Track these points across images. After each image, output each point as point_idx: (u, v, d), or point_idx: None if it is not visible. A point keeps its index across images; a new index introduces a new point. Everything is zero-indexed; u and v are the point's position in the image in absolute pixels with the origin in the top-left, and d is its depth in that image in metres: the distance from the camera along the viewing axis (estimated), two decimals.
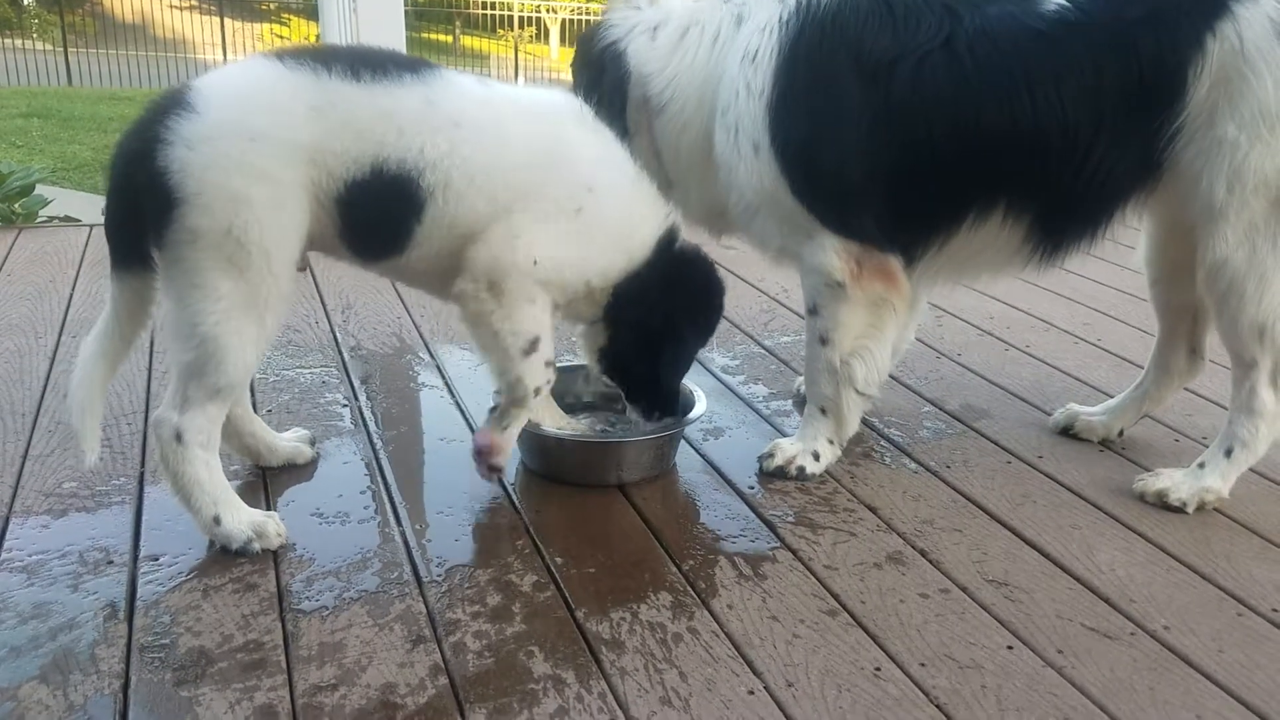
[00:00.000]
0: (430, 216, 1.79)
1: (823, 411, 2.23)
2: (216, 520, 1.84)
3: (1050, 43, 1.88)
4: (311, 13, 21.69)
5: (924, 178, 2.00)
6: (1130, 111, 1.89)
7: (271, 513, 1.93)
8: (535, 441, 2.18)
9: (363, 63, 1.78)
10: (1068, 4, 1.90)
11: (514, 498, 2.08)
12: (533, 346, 1.90)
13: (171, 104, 1.69)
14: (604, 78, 2.20)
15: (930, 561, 1.90)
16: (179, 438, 1.78)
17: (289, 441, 2.20)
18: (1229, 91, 1.83)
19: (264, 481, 2.09)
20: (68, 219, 4.07)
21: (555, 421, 2.24)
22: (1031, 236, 2.05)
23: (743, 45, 2.05)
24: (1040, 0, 1.92)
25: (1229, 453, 2.06)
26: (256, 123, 1.69)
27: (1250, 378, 1.99)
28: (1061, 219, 2.03)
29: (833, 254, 2.07)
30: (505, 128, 1.86)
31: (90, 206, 5.98)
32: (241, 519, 1.85)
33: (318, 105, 1.71)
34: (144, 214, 1.70)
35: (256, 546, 1.84)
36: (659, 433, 2.17)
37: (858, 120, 1.97)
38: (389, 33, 3.96)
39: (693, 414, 2.24)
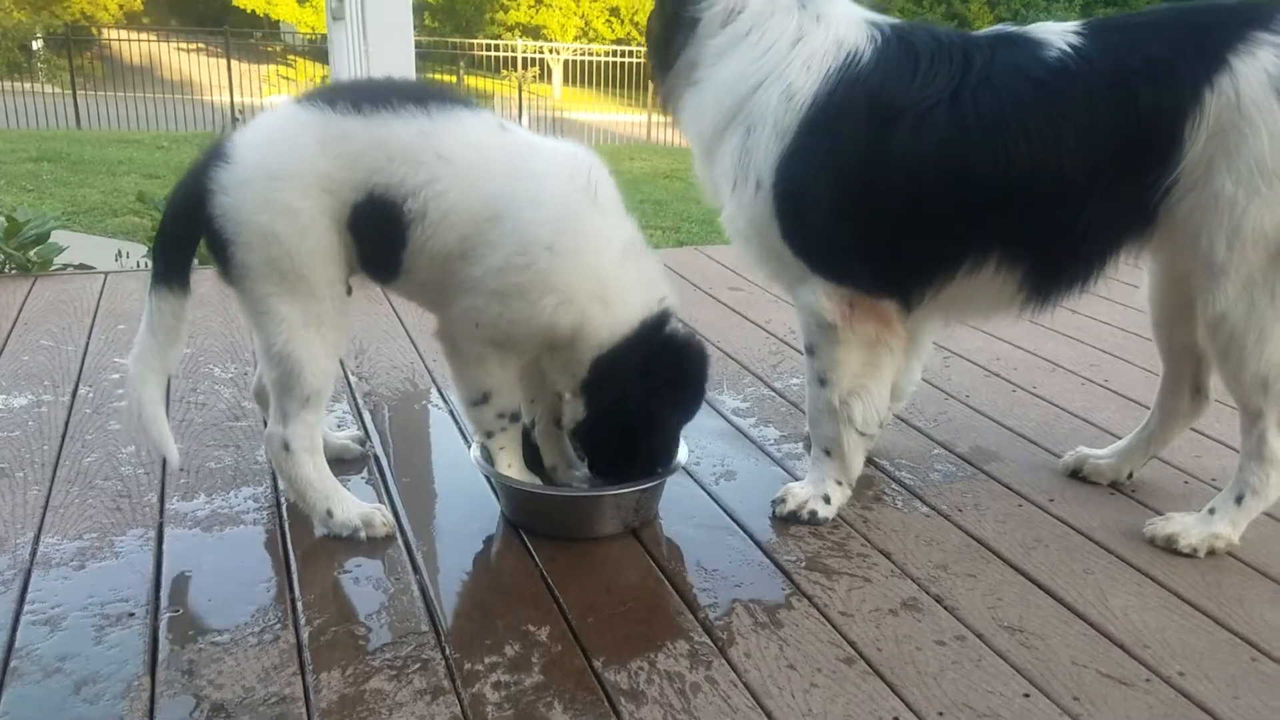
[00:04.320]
0: (413, 244, 1.95)
1: (827, 453, 2.25)
2: (329, 513, 2.07)
3: (1049, 92, 1.90)
4: (317, 55, 21.98)
5: (918, 229, 2.02)
6: (1126, 163, 1.91)
7: (380, 505, 2.15)
8: (506, 493, 2.22)
9: (368, 96, 1.95)
10: (1071, 52, 1.92)
11: (528, 544, 2.09)
12: (483, 399, 2.11)
13: (214, 155, 1.92)
14: (670, 35, 2.22)
15: (945, 608, 1.91)
16: (286, 447, 2.03)
17: (339, 438, 2.44)
18: (1225, 145, 1.84)
19: (280, 530, 2.10)
20: (82, 266, 4.11)
21: (552, 460, 2.28)
22: (1024, 287, 2.07)
23: (790, 75, 2.03)
24: (1046, 47, 1.95)
25: (1239, 499, 2.07)
26: (275, 163, 1.91)
27: (1258, 426, 2.01)
28: (1053, 271, 2.05)
29: (823, 296, 2.10)
30: (485, 171, 1.95)
31: (101, 251, 6.02)
32: (351, 511, 2.09)
33: (324, 139, 1.90)
34: (190, 244, 1.98)
35: (363, 535, 2.08)
36: (624, 488, 2.15)
37: (859, 173, 1.99)
38: (400, 72, 4.01)
39: (674, 463, 2.23)
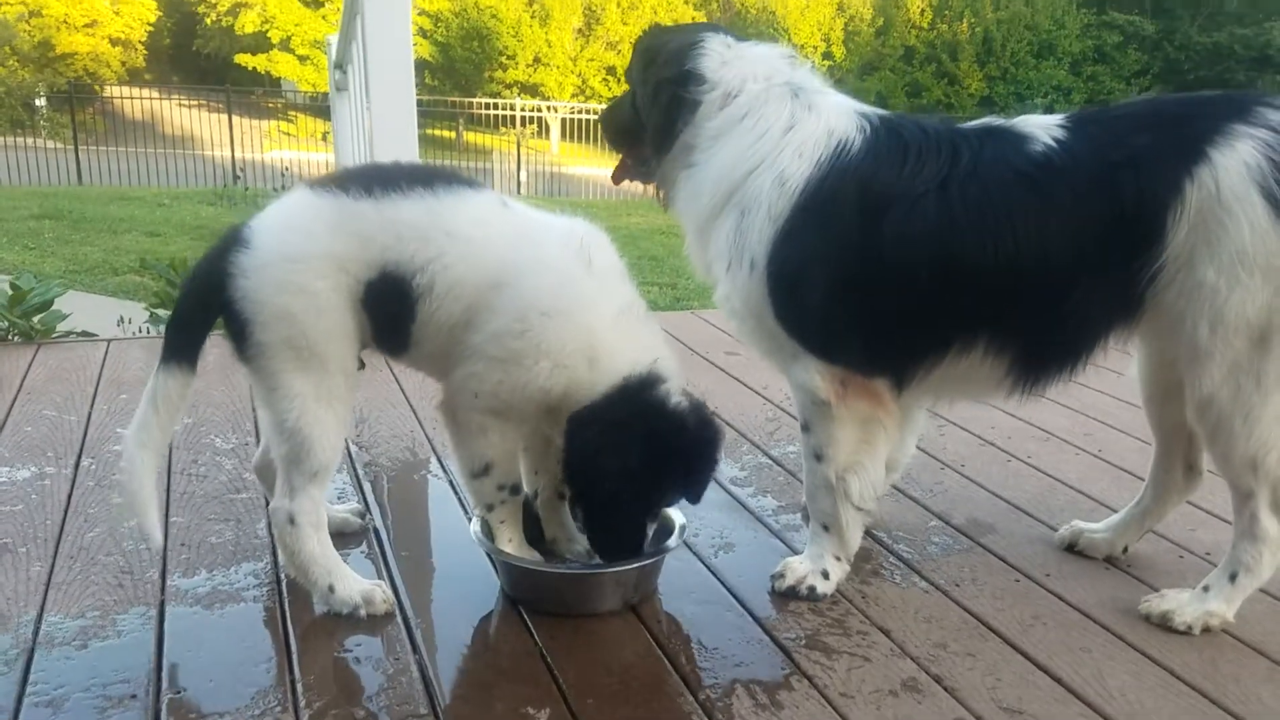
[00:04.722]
0: (421, 317, 2.02)
1: (825, 528, 2.27)
2: (331, 589, 2.09)
3: (1034, 186, 1.96)
4: (318, 111, 22.27)
5: (908, 314, 2.07)
6: (1110, 254, 1.96)
7: (380, 582, 2.17)
8: (506, 570, 2.22)
9: (378, 180, 2.04)
10: (1055, 145, 1.99)
11: (527, 621, 2.10)
12: (484, 470, 2.13)
13: (233, 240, 2.00)
14: (671, 118, 2.24)
15: (945, 689, 1.91)
16: (292, 521, 2.06)
17: (339, 511, 2.45)
18: (1207, 236, 1.89)
19: (280, 608, 2.11)
20: (85, 334, 4.14)
21: (552, 532, 2.32)
22: (1012, 371, 2.11)
23: (783, 162, 2.09)
24: (1031, 141, 2.01)
25: (1233, 577, 2.09)
26: (292, 246, 1.99)
27: (1249, 506, 2.04)
28: (1040, 356, 2.09)
29: (816, 375, 2.14)
30: (489, 245, 2.03)
31: (103, 310, 6.08)
32: (353, 588, 2.10)
33: (337, 222, 2.00)
34: (205, 325, 2.04)
35: (363, 613, 2.09)
36: (605, 568, 2.16)
37: (849, 257, 2.04)
38: (402, 129, 4.04)
39: (669, 542, 2.22)
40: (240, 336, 1.99)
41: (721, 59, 2.20)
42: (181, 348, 2.03)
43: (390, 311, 2.02)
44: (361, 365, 2.14)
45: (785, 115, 2.14)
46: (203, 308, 2.03)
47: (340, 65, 4.97)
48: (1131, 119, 2.02)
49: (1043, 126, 2.02)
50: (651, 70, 2.27)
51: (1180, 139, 1.92)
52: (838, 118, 2.12)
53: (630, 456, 2.01)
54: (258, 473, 2.40)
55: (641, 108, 2.32)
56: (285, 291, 1.96)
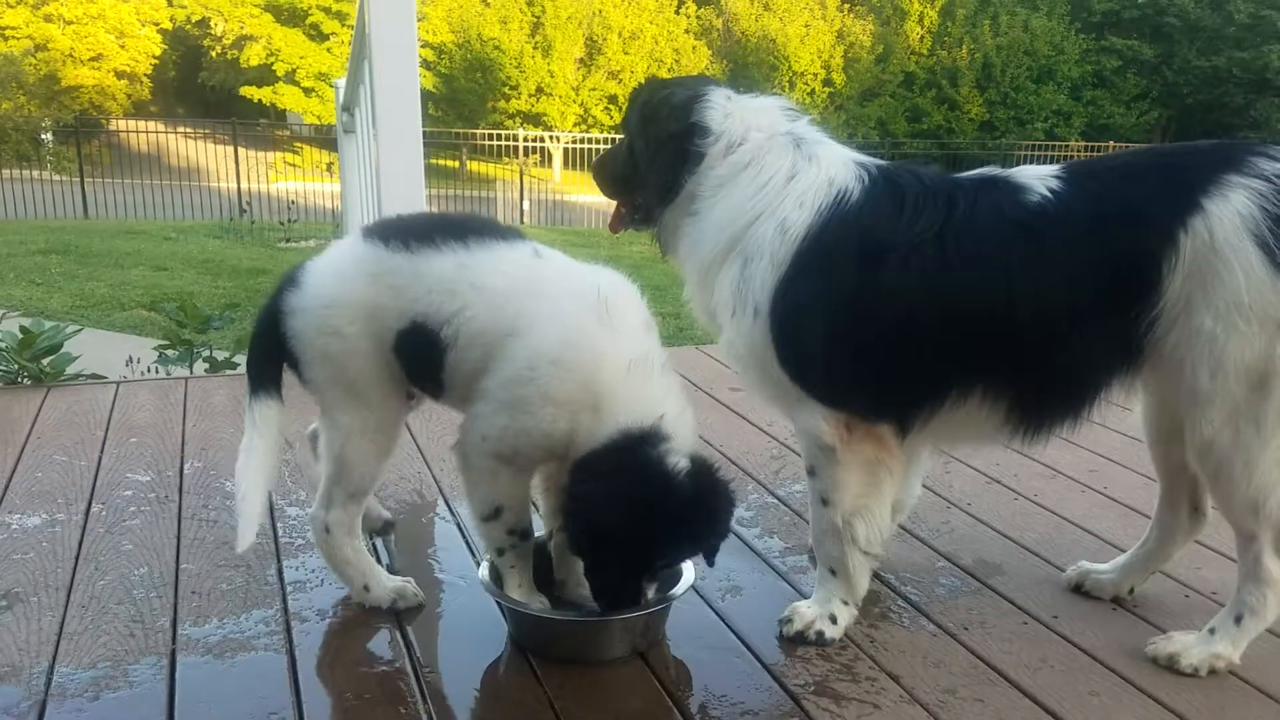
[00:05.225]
0: (449, 365, 2.12)
1: (833, 572, 2.28)
2: (366, 588, 2.31)
3: (1029, 234, 1.98)
4: (324, 143, 22.44)
5: (905, 359, 2.08)
6: (1107, 302, 1.98)
7: (408, 579, 2.38)
8: (514, 617, 2.23)
9: (416, 234, 2.15)
10: (1050, 195, 2.01)
11: (535, 669, 2.10)
12: (494, 514, 2.17)
13: (288, 280, 2.20)
14: (675, 170, 2.27)
15: None
16: (327, 530, 2.27)
17: None
18: (1203, 284, 1.91)
19: (291, 657, 2.12)
20: (94, 376, 4.17)
21: (562, 574, 2.34)
22: (1010, 418, 2.12)
23: (784, 210, 2.12)
24: (1027, 191, 2.04)
25: (1238, 620, 2.10)
26: (331, 291, 2.16)
27: (1252, 548, 2.05)
28: (1038, 403, 2.11)
29: (821, 420, 2.15)
30: (509, 297, 2.09)
31: (109, 347, 6.11)
32: (386, 585, 2.33)
33: (374, 272, 2.14)
34: (275, 356, 2.21)
35: (400, 605, 2.32)
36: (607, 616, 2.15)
37: (849, 304, 2.06)
38: (407, 160, 4.06)
39: (676, 590, 2.22)
40: (297, 371, 2.20)
41: (724, 111, 2.24)
42: (263, 381, 2.22)
43: (422, 358, 2.14)
44: (410, 396, 2.29)
45: (787, 165, 2.18)
46: (268, 343, 2.21)
47: (348, 108, 5.02)
48: (1126, 169, 2.05)
49: (1038, 177, 2.05)
50: (655, 124, 2.30)
51: (1174, 189, 1.95)
52: (837, 168, 2.15)
53: (610, 508, 1.97)
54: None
55: (641, 158, 2.35)
56: (323, 334, 2.13)
